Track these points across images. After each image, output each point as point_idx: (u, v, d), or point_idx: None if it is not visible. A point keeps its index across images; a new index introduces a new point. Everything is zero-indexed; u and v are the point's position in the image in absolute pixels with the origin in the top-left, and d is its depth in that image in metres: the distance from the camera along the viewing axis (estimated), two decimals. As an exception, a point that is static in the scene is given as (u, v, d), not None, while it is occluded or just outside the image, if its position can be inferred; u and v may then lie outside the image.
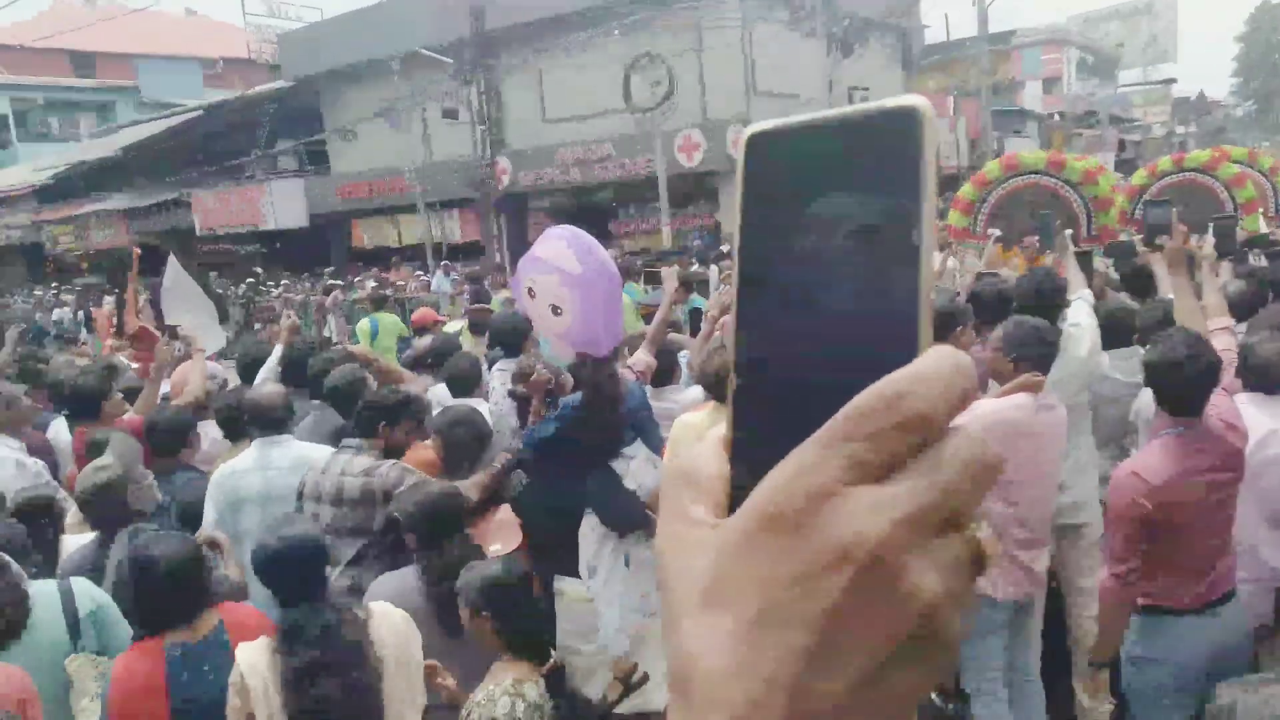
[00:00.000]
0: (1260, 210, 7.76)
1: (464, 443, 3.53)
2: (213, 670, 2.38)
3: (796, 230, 0.36)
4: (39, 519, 3.34)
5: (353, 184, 22.63)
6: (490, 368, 4.72)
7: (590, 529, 3.27)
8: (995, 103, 25.02)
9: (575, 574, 3.34)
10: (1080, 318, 3.74)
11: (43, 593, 2.67)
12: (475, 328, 6.49)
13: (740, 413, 0.37)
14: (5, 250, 30.35)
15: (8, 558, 2.63)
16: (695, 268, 10.43)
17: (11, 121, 36.45)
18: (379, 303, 9.56)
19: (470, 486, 3.30)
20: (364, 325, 8.63)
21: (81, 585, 2.76)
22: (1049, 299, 3.83)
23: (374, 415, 3.48)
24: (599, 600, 3.25)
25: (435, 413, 4.09)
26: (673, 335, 4.68)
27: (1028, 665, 3.48)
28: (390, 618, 2.50)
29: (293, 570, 2.39)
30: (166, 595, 2.40)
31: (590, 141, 18.74)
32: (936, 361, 0.33)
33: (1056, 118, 34.39)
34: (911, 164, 0.34)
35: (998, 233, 6.49)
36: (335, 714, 2.26)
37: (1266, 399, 3.15)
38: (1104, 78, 43.08)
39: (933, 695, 2.94)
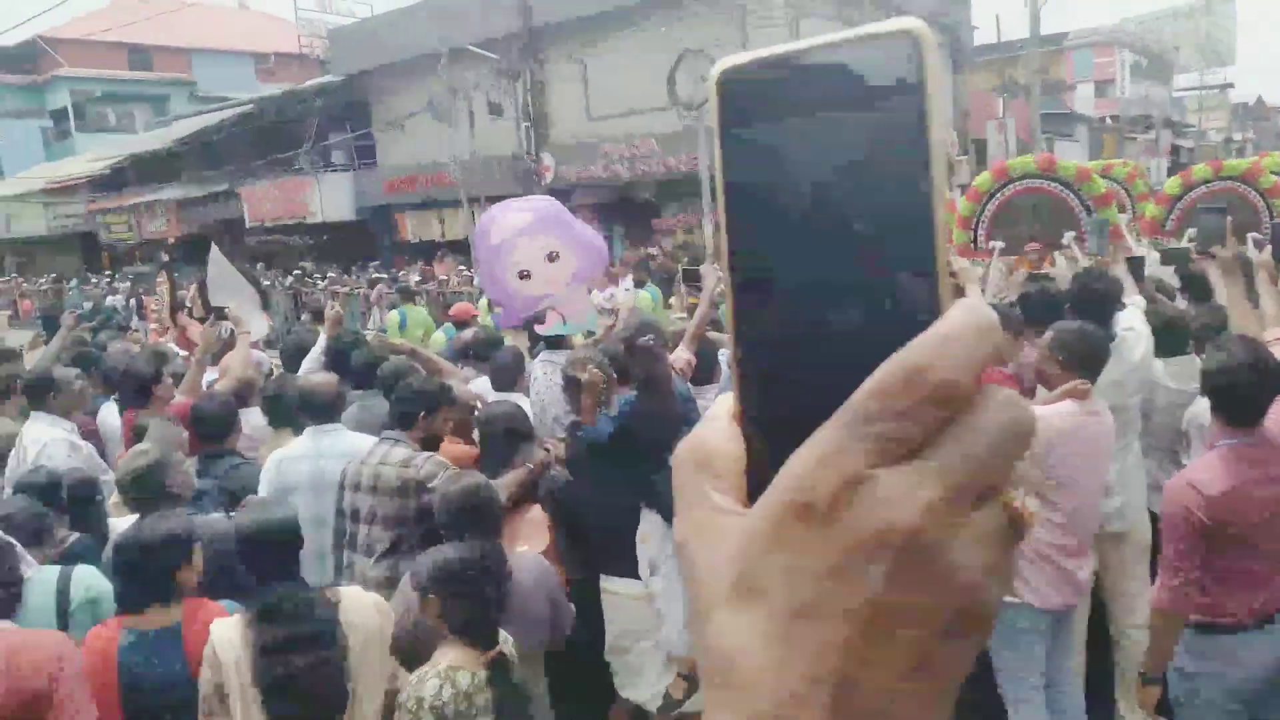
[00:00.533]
0: None
1: (502, 440, 3.54)
2: (160, 662, 2.45)
3: (788, 181, 0.32)
4: (84, 501, 3.43)
5: (399, 178, 22.86)
6: (533, 359, 4.74)
7: (653, 528, 3.24)
8: (1045, 105, 24.58)
9: (624, 573, 3.33)
10: (1134, 322, 3.67)
11: (40, 579, 2.74)
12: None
13: (747, 384, 0.35)
14: (62, 238, 31.16)
15: (12, 541, 2.70)
16: None
17: (71, 113, 37.37)
18: (407, 295, 9.66)
19: (503, 485, 3.31)
20: (393, 317, 8.74)
21: (81, 573, 2.81)
22: (1103, 301, 3.74)
23: (412, 406, 3.50)
24: (662, 598, 3.23)
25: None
26: (713, 334, 4.66)
27: (1068, 674, 3.41)
28: (361, 601, 2.58)
29: (268, 550, 2.50)
30: (126, 581, 2.51)
31: (634, 137, 18.73)
32: (961, 322, 0.31)
33: (1108, 121, 33.72)
34: (913, 97, 0.31)
35: (1000, 244, 6.40)
36: (301, 688, 2.36)
37: None
38: (1159, 81, 42.14)
39: None
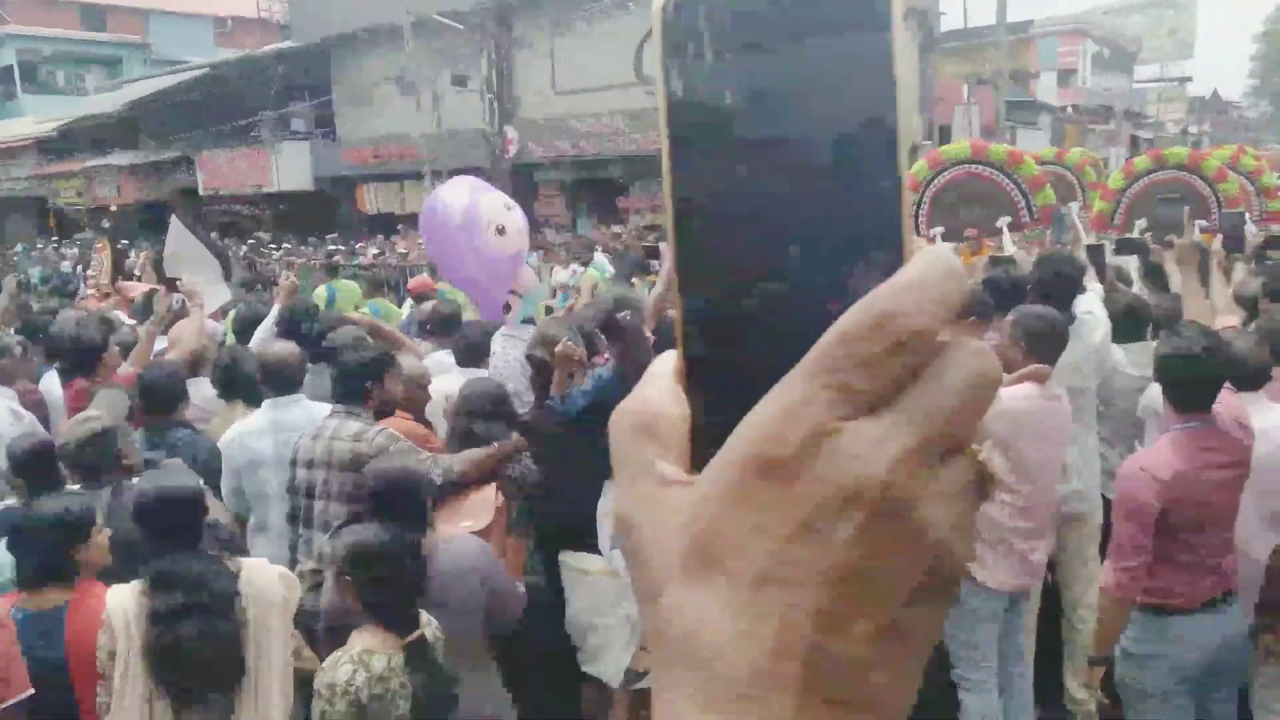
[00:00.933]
0: (1242, 208, 7.65)
1: (481, 418, 3.47)
2: (47, 643, 2.45)
3: (737, 122, 0.30)
4: (37, 468, 3.32)
5: (360, 149, 22.51)
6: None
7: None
8: (1010, 93, 24.79)
9: (587, 549, 3.31)
10: (1094, 306, 3.71)
11: None
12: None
13: (692, 340, 0.32)
14: (9, 203, 30.26)
15: None
16: None
17: (17, 73, 36.19)
18: (333, 270, 9.50)
19: (464, 460, 3.26)
20: (320, 292, 8.59)
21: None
22: (1067, 285, 3.76)
23: (357, 378, 3.40)
24: (624, 573, 3.22)
25: (438, 378, 4.05)
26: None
27: (1020, 655, 3.46)
28: (264, 572, 2.56)
29: (165, 518, 2.49)
30: (23, 558, 2.51)
31: (602, 114, 18.60)
32: (926, 268, 0.29)
33: (1070, 111, 34.14)
34: (879, 30, 0.28)
35: (940, 229, 6.47)
36: (190, 657, 2.36)
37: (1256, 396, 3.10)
38: (1120, 72, 42.75)
39: None
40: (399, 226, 19.70)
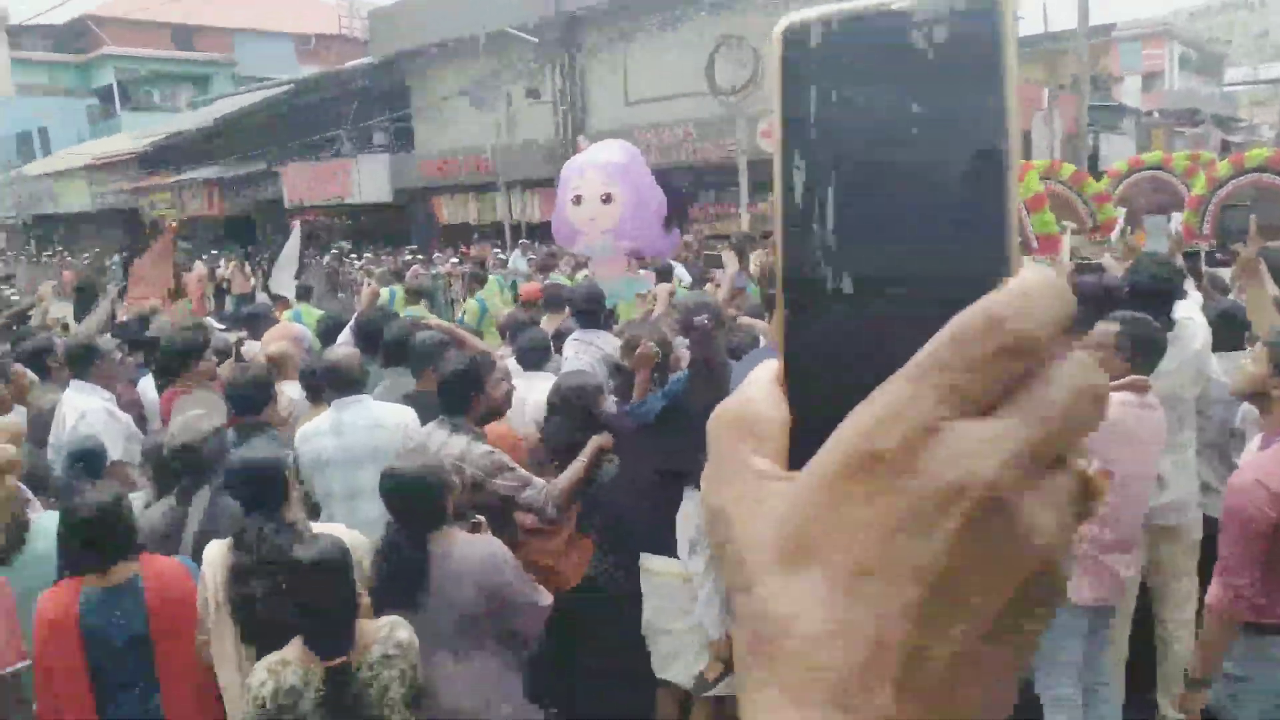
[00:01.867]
0: None
1: (577, 415, 3.54)
2: (123, 615, 2.61)
3: (851, 139, 0.31)
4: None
5: (436, 161, 22.94)
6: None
7: (695, 507, 3.21)
8: (1092, 98, 24.09)
9: (663, 552, 3.31)
10: (1193, 313, 3.56)
11: (43, 525, 2.97)
12: (547, 304, 6.52)
13: (794, 346, 0.33)
14: (106, 214, 31.65)
15: (27, 490, 3.01)
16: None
17: (116, 92, 37.94)
18: (398, 277, 9.60)
19: (566, 485, 3.33)
20: (384, 295, 8.77)
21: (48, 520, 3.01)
22: (1166, 290, 3.62)
23: (460, 386, 3.44)
24: (699, 578, 3.20)
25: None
26: (750, 320, 4.61)
27: (1106, 672, 3.34)
28: (332, 537, 2.64)
29: (248, 485, 2.77)
30: (81, 543, 2.65)
31: (671, 124, 18.63)
32: (1036, 281, 0.30)
33: (1155, 115, 33.04)
34: (991, 57, 0.30)
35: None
36: (260, 609, 2.60)
37: None
38: (1208, 74, 41.23)
39: None
40: (473, 236, 20.01)
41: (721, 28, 16.79)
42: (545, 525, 3.44)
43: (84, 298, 7.68)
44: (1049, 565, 0.29)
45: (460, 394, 3.41)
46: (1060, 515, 0.29)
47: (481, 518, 2.99)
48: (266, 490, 2.76)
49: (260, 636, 2.62)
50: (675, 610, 3.33)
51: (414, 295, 8.00)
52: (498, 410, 3.54)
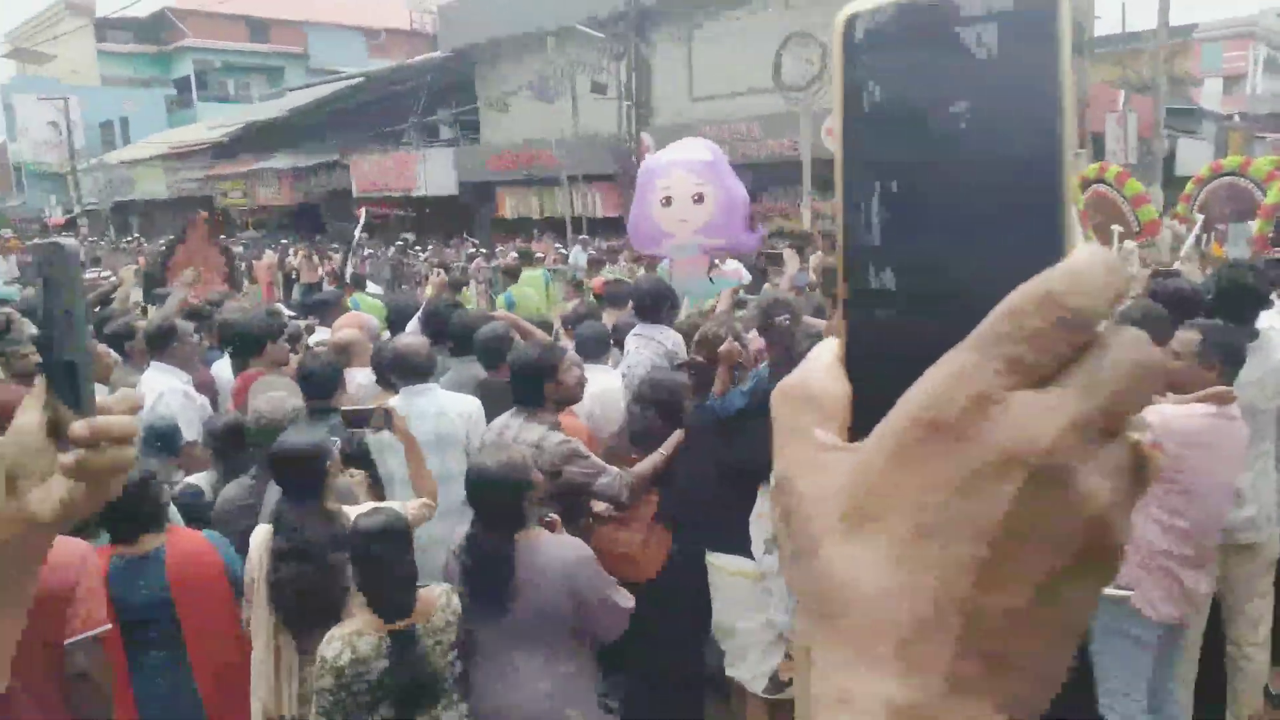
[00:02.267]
0: None
1: (659, 410, 3.58)
2: (146, 584, 2.74)
3: (911, 125, 0.32)
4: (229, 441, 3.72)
5: (501, 155, 23.16)
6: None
7: (771, 505, 3.22)
8: (1169, 100, 23.33)
9: (734, 550, 3.31)
10: (1276, 321, 3.44)
11: None
12: (609, 299, 6.55)
13: (856, 326, 0.34)
14: (181, 202, 32.62)
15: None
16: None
17: (193, 82, 39.04)
18: (514, 274, 9.68)
19: (643, 472, 3.39)
20: (499, 301, 8.85)
21: None
22: (1252, 298, 3.51)
23: (532, 376, 3.47)
24: (773, 576, 3.20)
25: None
26: (812, 319, 4.58)
27: (1174, 691, 3.25)
28: None
29: (288, 471, 2.83)
30: (113, 515, 2.76)
31: (736, 120, 18.55)
32: (1089, 258, 0.31)
33: (1236, 119, 31.90)
34: (1048, 49, 0.31)
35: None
36: (294, 591, 2.70)
37: None
38: (1297, 77, 39.62)
39: None
40: (534, 230, 20.16)
41: (789, 24, 16.65)
42: (620, 514, 3.46)
43: (150, 283, 7.93)
44: (1103, 531, 0.30)
45: (534, 382, 3.44)
46: (1115, 483, 0.30)
47: (555, 515, 3.00)
48: (307, 476, 2.82)
49: (296, 618, 2.73)
50: (743, 609, 3.32)
51: (453, 288, 8.10)
52: (571, 397, 3.57)
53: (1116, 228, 6.29)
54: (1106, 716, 3.16)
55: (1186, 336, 3.06)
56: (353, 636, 2.46)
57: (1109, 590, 3.08)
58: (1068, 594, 0.31)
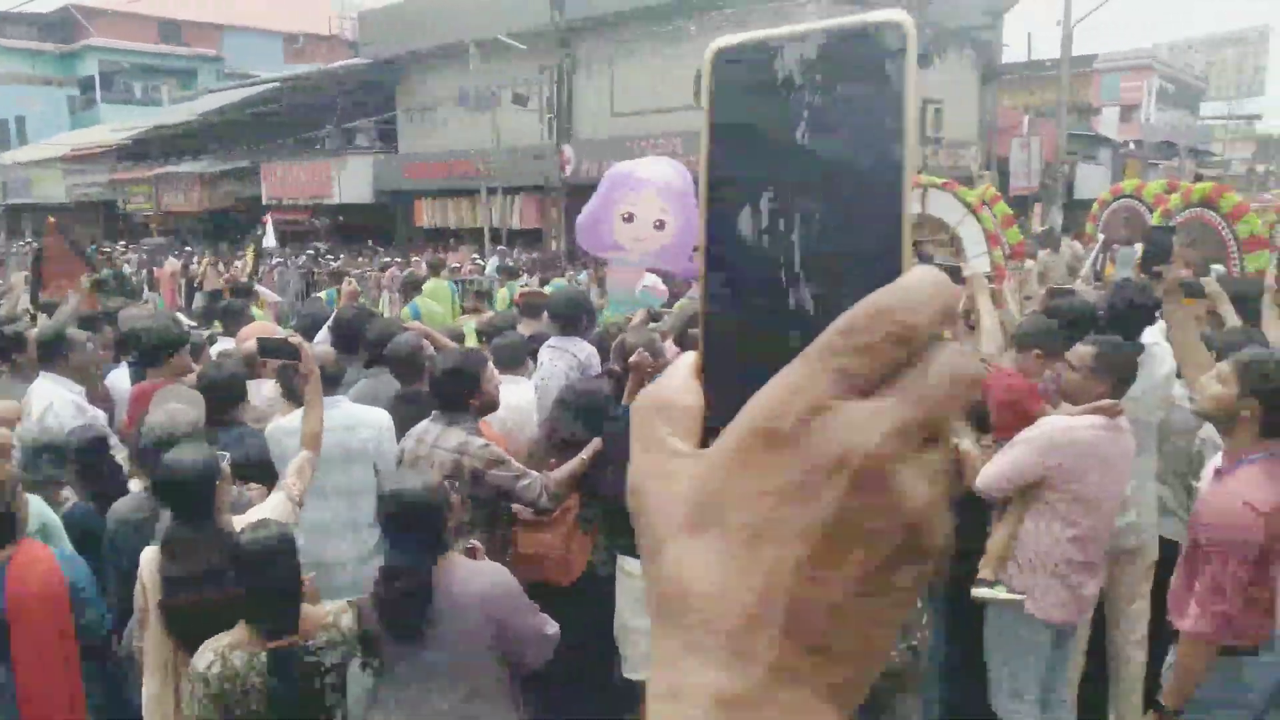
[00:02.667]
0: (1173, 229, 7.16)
1: (580, 418, 3.57)
2: None
3: (768, 151, 0.35)
4: (94, 457, 3.57)
5: (420, 164, 22.89)
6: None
7: None
8: (1071, 127, 24.38)
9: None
10: (1160, 337, 3.61)
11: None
12: (525, 310, 6.51)
13: (712, 341, 0.36)
14: (83, 206, 31.32)
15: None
16: None
17: (98, 83, 37.58)
18: (416, 285, 9.36)
19: (564, 477, 3.36)
20: (404, 312, 8.69)
21: (35, 505, 3.17)
22: (1141, 315, 3.69)
23: (453, 384, 3.41)
24: None
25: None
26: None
27: (1062, 691, 3.39)
28: None
29: (173, 490, 2.71)
30: None
31: (657, 136, 18.71)
32: (919, 277, 0.33)
33: (1132, 146, 33.53)
34: (894, 80, 0.33)
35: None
36: (191, 616, 2.57)
37: None
38: (1186, 108, 41.89)
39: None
40: (451, 240, 19.95)
41: (710, 43, 16.90)
42: (541, 518, 3.45)
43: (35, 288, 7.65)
44: (919, 529, 0.33)
45: (456, 389, 3.41)
46: (931, 485, 0.33)
47: (478, 544, 2.92)
48: (195, 497, 2.69)
49: (196, 643, 2.55)
50: (644, 610, 3.34)
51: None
52: (491, 405, 3.55)
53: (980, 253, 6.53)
54: (1000, 717, 3.26)
55: (1082, 351, 3.18)
56: (226, 649, 2.39)
57: (1004, 595, 3.20)
58: (888, 588, 0.33)
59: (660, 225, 4.69)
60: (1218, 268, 6.04)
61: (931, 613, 3.09)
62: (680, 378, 0.38)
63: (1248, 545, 2.54)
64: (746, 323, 0.35)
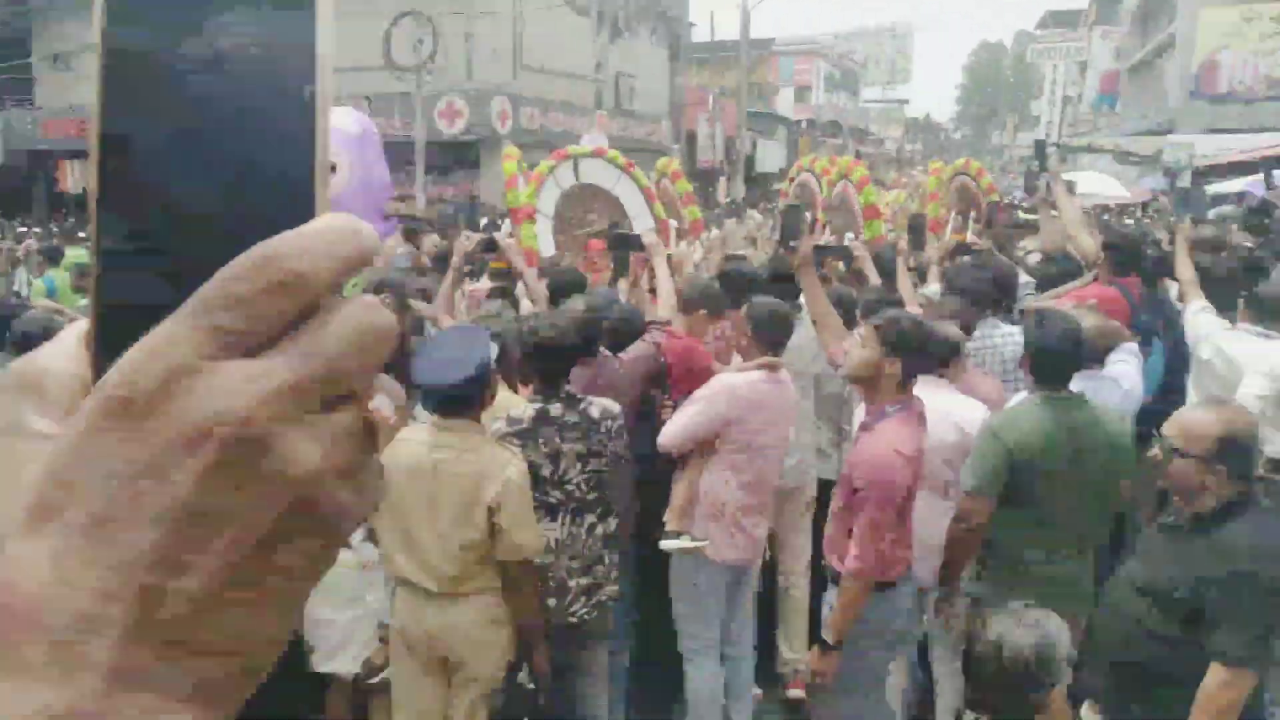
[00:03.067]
0: (882, 218, 8.22)
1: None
2: None
3: (169, 79, 0.31)
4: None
5: (63, 120, 20.03)
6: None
7: None
8: (751, 105, 26.24)
9: None
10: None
11: None
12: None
13: (105, 302, 0.31)
14: None
15: None
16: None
17: None
18: (55, 256, 8.18)
19: None
20: (40, 286, 7.60)
21: None
22: (793, 280, 3.96)
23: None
24: (373, 566, 3.08)
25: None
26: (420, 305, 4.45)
27: (741, 624, 3.60)
28: None
29: None
30: None
31: (344, 97, 17.71)
32: (323, 224, 0.30)
33: (805, 125, 36.83)
34: (303, 37, 0.31)
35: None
36: None
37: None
38: (848, 92, 46.66)
39: (520, 676, 2.92)
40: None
41: (400, 2, 16.20)
42: None
43: None
44: (308, 496, 0.29)
45: None
46: (326, 449, 0.29)
47: None
48: None
49: None
50: (341, 600, 3.13)
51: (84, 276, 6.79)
52: None
53: (675, 222, 6.76)
54: (688, 658, 3.41)
55: (743, 311, 3.42)
56: None
57: (686, 544, 3.31)
58: (277, 562, 0.30)
59: (332, 168, 4.59)
60: (849, 235, 6.83)
61: (620, 568, 3.13)
62: (60, 347, 0.33)
63: (897, 487, 2.79)
64: (144, 280, 0.31)
